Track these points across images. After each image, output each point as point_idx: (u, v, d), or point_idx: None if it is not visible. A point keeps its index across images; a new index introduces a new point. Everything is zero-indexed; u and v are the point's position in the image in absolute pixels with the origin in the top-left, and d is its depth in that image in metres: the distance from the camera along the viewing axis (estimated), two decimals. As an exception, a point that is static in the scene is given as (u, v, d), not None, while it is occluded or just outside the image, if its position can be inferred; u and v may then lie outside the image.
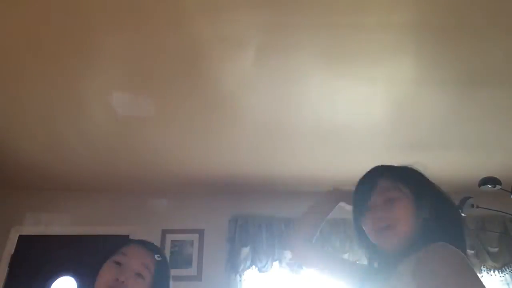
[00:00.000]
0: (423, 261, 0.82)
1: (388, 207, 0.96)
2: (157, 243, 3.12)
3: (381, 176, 1.02)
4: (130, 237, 3.16)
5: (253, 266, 3.10)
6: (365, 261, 1.11)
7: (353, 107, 2.41)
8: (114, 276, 1.09)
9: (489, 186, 2.56)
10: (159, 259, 1.19)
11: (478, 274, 0.78)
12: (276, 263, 3.13)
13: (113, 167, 3.08)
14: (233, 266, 3.07)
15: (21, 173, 3.14)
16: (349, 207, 1.13)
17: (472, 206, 2.57)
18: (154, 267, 1.16)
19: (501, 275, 3.13)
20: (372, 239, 0.98)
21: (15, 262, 3.05)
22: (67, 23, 1.78)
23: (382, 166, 1.08)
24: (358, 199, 1.04)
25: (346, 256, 3.01)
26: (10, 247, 3.10)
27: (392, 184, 0.99)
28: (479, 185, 2.60)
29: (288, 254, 3.10)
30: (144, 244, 1.22)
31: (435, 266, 0.79)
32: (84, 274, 3.01)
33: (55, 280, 3.04)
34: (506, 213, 2.87)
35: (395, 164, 1.08)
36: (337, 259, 1.25)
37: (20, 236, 3.16)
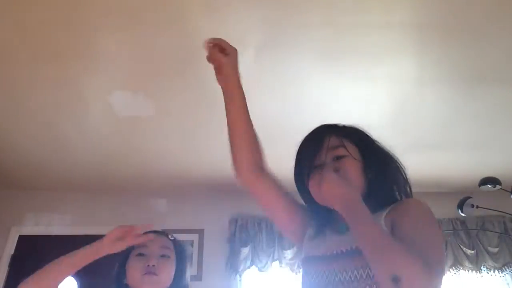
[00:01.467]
0: (404, 209, 0.85)
1: (337, 164, 0.92)
2: (157, 243, 3.15)
3: (328, 134, 0.98)
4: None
5: (253, 266, 3.10)
6: None
7: (353, 106, 2.40)
8: (144, 264, 1.22)
9: (489, 186, 2.56)
10: (173, 238, 1.36)
11: None
12: (276, 263, 3.13)
13: (113, 167, 3.08)
14: (233, 266, 3.07)
15: (21, 173, 3.14)
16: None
17: (472, 206, 2.57)
18: (172, 245, 1.32)
19: (501, 275, 3.13)
20: (319, 199, 0.90)
21: (15, 262, 3.05)
22: (67, 23, 1.78)
23: (327, 124, 1.05)
24: (302, 158, 1.00)
25: None
26: (10, 247, 3.10)
27: (339, 142, 0.96)
28: (479, 185, 2.60)
29: (288, 254, 3.11)
30: (155, 231, 1.36)
31: (418, 213, 0.84)
32: (84, 274, 3.02)
33: (55, 280, 3.04)
34: (506, 213, 2.87)
35: (340, 124, 1.06)
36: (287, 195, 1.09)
37: (20, 236, 3.16)
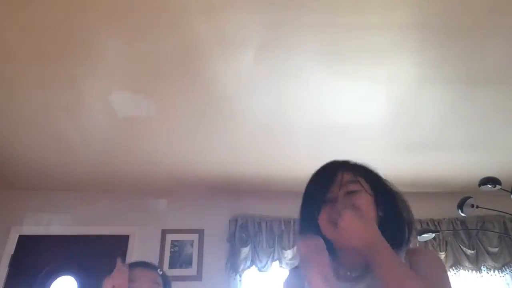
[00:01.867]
0: (419, 255, 0.87)
1: (349, 199, 0.91)
2: (157, 243, 3.15)
3: (342, 169, 0.97)
4: (130, 237, 3.17)
5: (253, 266, 3.10)
6: None
7: (354, 106, 2.41)
8: None
9: (489, 186, 2.56)
10: (161, 272, 1.37)
11: None
12: (276, 263, 3.13)
13: (113, 167, 3.08)
14: (233, 266, 3.07)
15: (21, 173, 3.14)
16: None
17: (472, 206, 2.57)
18: (161, 280, 1.34)
19: (501, 275, 3.13)
20: (328, 234, 0.89)
21: (15, 262, 3.05)
22: (67, 23, 1.78)
23: (340, 160, 1.04)
24: (314, 191, 0.97)
25: None
26: (10, 247, 3.10)
27: (353, 178, 0.95)
28: (479, 185, 2.60)
29: (288, 254, 3.11)
30: (146, 265, 1.37)
31: (433, 261, 0.87)
32: (84, 274, 3.02)
33: (55, 280, 3.05)
34: (506, 213, 2.87)
35: (352, 160, 1.05)
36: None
37: (20, 236, 3.16)
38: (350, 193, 0.92)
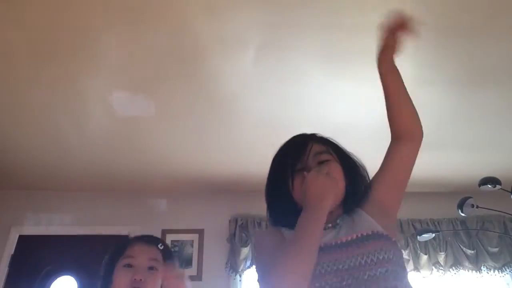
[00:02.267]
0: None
1: (324, 168, 0.96)
2: (157, 243, 3.15)
3: (313, 140, 1.04)
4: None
5: (253, 266, 3.10)
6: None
7: (353, 107, 2.41)
8: (131, 277, 1.18)
9: (489, 186, 2.56)
10: (162, 247, 1.30)
11: None
12: (276, 263, 3.12)
13: (113, 167, 3.08)
14: (233, 266, 3.07)
15: (21, 173, 3.14)
16: None
17: (472, 206, 2.57)
18: (161, 256, 1.27)
19: (501, 275, 3.13)
20: (302, 201, 0.92)
21: (15, 262, 3.05)
22: (67, 23, 1.78)
23: (307, 133, 1.11)
24: (287, 160, 1.01)
25: None
26: (10, 247, 3.10)
27: (324, 148, 1.02)
28: (479, 185, 2.60)
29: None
30: (145, 239, 1.31)
31: None
32: (84, 274, 3.02)
33: (55, 280, 3.05)
34: (506, 213, 2.87)
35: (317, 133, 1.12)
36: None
37: (20, 236, 3.16)
38: (322, 162, 0.98)
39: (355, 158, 1.08)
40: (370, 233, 0.88)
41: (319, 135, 1.11)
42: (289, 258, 0.80)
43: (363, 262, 0.83)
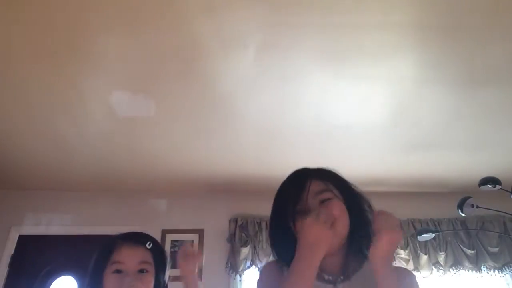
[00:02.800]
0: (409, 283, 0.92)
1: (325, 208, 0.91)
2: (157, 243, 3.15)
3: (312, 177, 0.98)
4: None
5: (253, 266, 3.10)
6: None
7: (353, 106, 2.41)
8: (121, 282, 1.14)
9: (489, 186, 2.56)
10: (150, 246, 1.24)
11: None
12: (276, 263, 3.12)
13: (113, 167, 3.08)
14: (233, 266, 3.07)
15: (21, 173, 3.14)
16: None
17: (472, 206, 2.57)
18: (151, 256, 1.23)
19: (501, 275, 3.13)
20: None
21: (15, 262, 3.05)
22: (67, 23, 1.78)
23: (308, 168, 1.04)
24: (286, 202, 0.97)
25: None
26: (10, 247, 3.10)
27: (324, 186, 0.96)
28: (479, 185, 2.60)
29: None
30: (132, 239, 1.25)
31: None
32: (84, 274, 3.02)
33: (55, 280, 3.05)
34: (506, 213, 2.87)
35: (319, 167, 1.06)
36: None
37: (20, 236, 3.16)
38: (324, 201, 0.93)
39: (359, 190, 1.03)
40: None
41: (318, 169, 1.04)
42: None
43: None
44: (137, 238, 1.27)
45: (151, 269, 1.21)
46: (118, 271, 1.17)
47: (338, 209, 0.92)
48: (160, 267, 1.25)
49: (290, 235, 0.93)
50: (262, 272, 1.02)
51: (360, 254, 0.95)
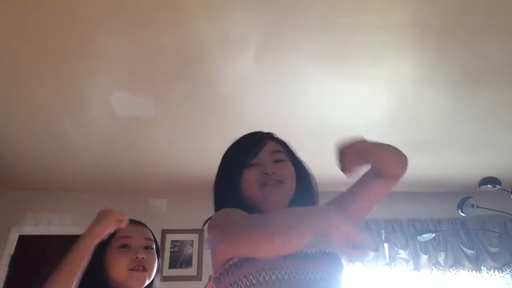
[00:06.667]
0: None
1: (277, 166, 0.97)
2: (157, 243, 3.15)
3: (269, 138, 1.05)
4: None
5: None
6: None
7: (353, 107, 2.41)
8: (130, 256, 1.14)
9: (489, 186, 2.56)
10: (151, 228, 1.31)
11: None
12: (276, 263, 3.12)
13: (113, 167, 3.08)
14: (233, 266, 3.07)
15: (21, 173, 3.14)
16: None
17: (472, 206, 2.58)
18: (153, 236, 1.28)
19: (501, 275, 3.13)
20: (253, 195, 0.93)
21: (15, 262, 3.05)
22: (67, 23, 1.78)
23: (265, 131, 1.11)
24: (242, 155, 1.01)
25: None
26: (10, 247, 3.10)
27: (279, 148, 1.03)
28: (479, 185, 2.60)
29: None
30: (135, 221, 1.29)
31: None
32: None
33: (55, 280, 3.04)
34: (506, 213, 2.88)
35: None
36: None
37: (20, 236, 3.15)
38: (277, 161, 0.98)
39: (306, 166, 1.09)
40: (330, 252, 0.88)
41: (276, 135, 1.11)
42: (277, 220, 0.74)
43: (317, 277, 0.82)
44: (139, 221, 1.31)
45: (154, 246, 1.24)
46: (124, 246, 1.17)
47: (289, 171, 0.98)
48: (158, 249, 1.28)
49: (234, 190, 0.97)
50: (225, 210, 0.94)
51: None
